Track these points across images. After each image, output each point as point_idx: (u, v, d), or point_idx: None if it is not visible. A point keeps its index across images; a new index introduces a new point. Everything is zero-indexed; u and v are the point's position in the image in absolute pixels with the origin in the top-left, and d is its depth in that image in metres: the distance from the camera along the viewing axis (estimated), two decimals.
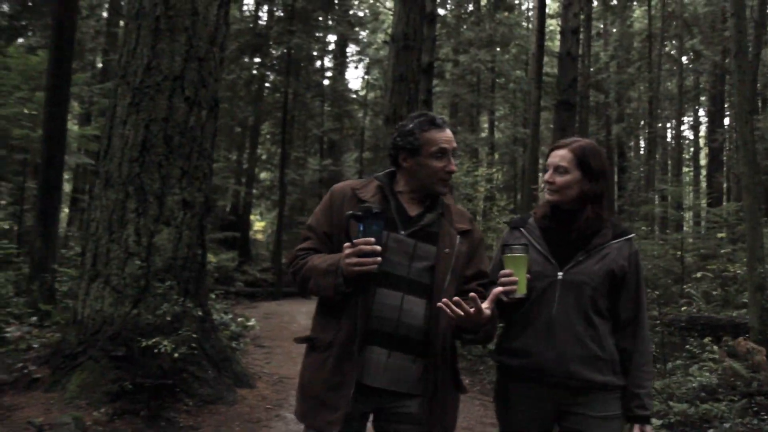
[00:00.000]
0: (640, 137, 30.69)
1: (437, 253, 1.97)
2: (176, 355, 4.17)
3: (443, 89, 22.67)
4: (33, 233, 8.18)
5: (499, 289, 1.91)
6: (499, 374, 2.13)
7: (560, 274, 2.01)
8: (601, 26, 27.90)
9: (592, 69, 25.25)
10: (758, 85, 20.25)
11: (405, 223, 1.99)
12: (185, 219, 4.89)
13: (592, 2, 23.16)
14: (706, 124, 29.35)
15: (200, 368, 4.80)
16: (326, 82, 18.86)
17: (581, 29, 21.71)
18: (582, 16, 21.11)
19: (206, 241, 5.27)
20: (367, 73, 23.51)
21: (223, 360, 5.15)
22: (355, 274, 1.80)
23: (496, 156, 27.53)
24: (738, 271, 10.91)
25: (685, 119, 34.83)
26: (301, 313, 11.20)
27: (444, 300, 1.80)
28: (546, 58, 25.47)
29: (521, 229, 2.16)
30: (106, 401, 4.35)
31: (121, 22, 16.86)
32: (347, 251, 1.81)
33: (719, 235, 12.50)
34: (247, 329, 8.39)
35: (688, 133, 37.72)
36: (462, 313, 1.78)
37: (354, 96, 20.89)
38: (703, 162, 31.54)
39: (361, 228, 1.81)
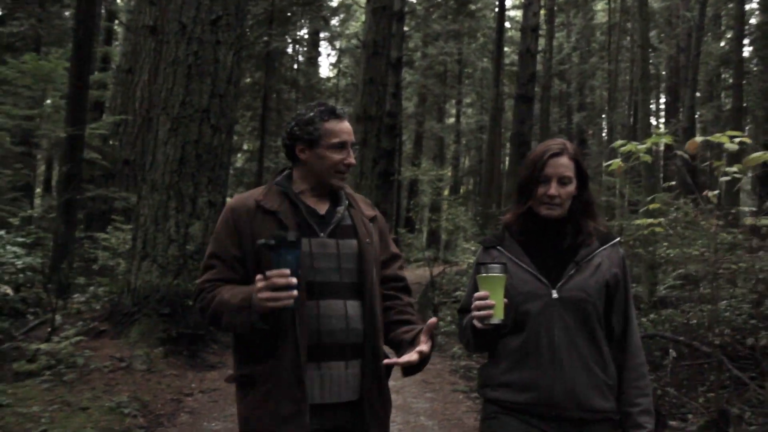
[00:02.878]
0: (602, 125, 33.31)
1: (360, 246, 1.97)
2: (194, 305, 6.28)
3: (412, 79, 24.76)
4: (57, 219, 10.10)
5: (474, 314, 1.82)
6: (492, 408, 1.94)
7: (554, 292, 1.87)
8: (565, 18, 30.11)
9: (554, 60, 27.50)
10: (698, 83, 22.81)
11: (320, 225, 1.96)
12: (210, 214, 6.97)
13: None
14: (664, 114, 32.12)
15: None
16: (298, 72, 20.76)
17: (545, 23, 23.96)
18: (543, 12, 23.34)
19: None
20: (339, 61, 25.51)
21: None
22: (270, 310, 1.72)
23: (463, 142, 29.86)
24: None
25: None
26: None
27: (387, 362, 1.87)
28: (513, 47, 27.69)
29: (498, 248, 2.00)
30: (158, 345, 6.45)
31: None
32: (259, 284, 1.71)
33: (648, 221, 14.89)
34: None
35: (652, 120, 40.59)
36: (409, 365, 1.84)
37: (327, 85, 22.85)
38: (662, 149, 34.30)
39: (275, 258, 1.72)
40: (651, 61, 28.45)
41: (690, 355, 6.06)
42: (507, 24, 26.48)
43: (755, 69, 22.95)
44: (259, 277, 1.73)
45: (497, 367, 1.94)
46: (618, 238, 1.99)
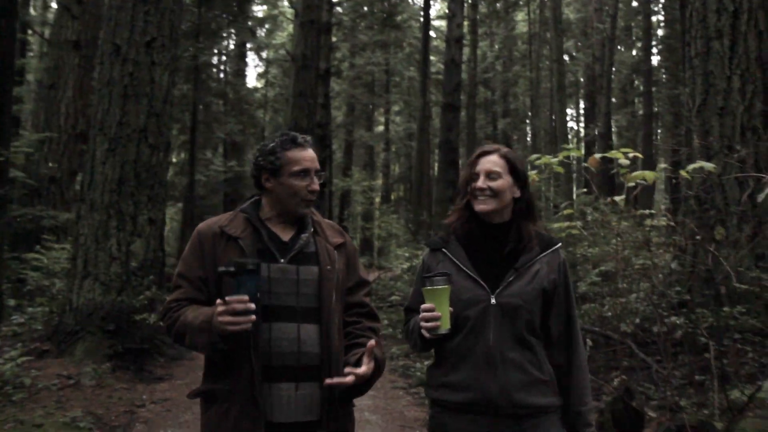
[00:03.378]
0: (526, 130, 34.91)
1: (320, 272, 2.06)
2: (161, 323, 6.55)
3: (340, 89, 25.28)
4: None
5: (422, 324, 1.95)
6: (436, 409, 2.10)
7: (493, 298, 1.99)
8: (488, 28, 31.40)
9: (479, 68, 28.66)
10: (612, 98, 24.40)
11: (282, 251, 2.06)
12: (151, 232, 7.23)
13: (477, 8, 26.44)
14: (584, 119, 33.96)
15: (167, 337, 7.18)
16: (226, 84, 20.92)
17: (469, 33, 24.99)
18: (467, 23, 24.36)
19: (164, 246, 7.62)
20: (266, 72, 25.74)
21: None
22: (229, 333, 1.83)
23: (393, 150, 30.63)
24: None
25: (569, 111, 39.58)
26: None
27: (327, 382, 1.94)
28: (438, 56, 28.68)
29: (443, 250, 2.12)
30: (105, 361, 6.64)
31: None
32: (220, 309, 1.83)
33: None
34: None
35: (572, 125, 42.75)
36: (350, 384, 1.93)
37: (255, 96, 23.06)
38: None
39: (235, 284, 1.84)
40: (569, 69, 30.13)
41: (605, 344, 6.82)
42: (432, 33, 27.41)
43: (664, 77, 24.77)
44: (219, 301, 1.84)
45: (438, 368, 2.08)
46: (559, 244, 2.10)
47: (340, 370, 2.03)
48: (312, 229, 2.13)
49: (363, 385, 2.00)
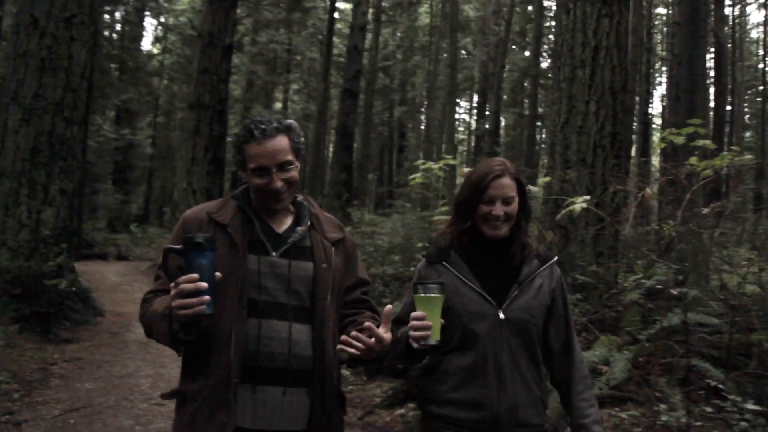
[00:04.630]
0: (422, 119, 36.51)
1: (315, 270, 1.94)
2: (73, 289, 7.09)
3: (240, 63, 25.45)
4: None
5: (411, 334, 1.84)
6: (436, 425, 2.02)
7: (501, 313, 1.95)
8: (391, 17, 32.46)
9: (380, 55, 29.71)
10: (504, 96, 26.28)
11: (274, 243, 1.93)
12: (62, 201, 7.68)
13: None
14: (476, 114, 36.03)
15: (72, 302, 7.71)
16: (123, 50, 20.66)
17: (372, 21, 25.92)
18: (371, 10, 25.29)
19: (74, 216, 8.08)
20: (164, 38, 25.42)
21: (85, 298, 8.07)
22: (186, 319, 1.66)
23: None
24: None
25: (464, 104, 41.68)
26: (110, 272, 13.83)
27: (342, 338, 1.78)
28: (341, 39, 29.42)
29: (444, 264, 2.04)
30: (11, 323, 7.08)
31: None
32: (172, 292, 1.65)
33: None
34: None
35: (466, 117, 45.03)
36: (363, 347, 1.76)
37: (153, 64, 22.84)
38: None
39: (185, 263, 1.66)
40: (466, 64, 31.88)
41: None
42: (336, 15, 28.06)
43: (550, 82, 26.94)
44: (171, 285, 1.67)
45: (444, 384, 1.99)
46: (555, 258, 2.10)
47: (334, 377, 1.97)
48: (309, 223, 2.01)
49: (378, 353, 1.84)
